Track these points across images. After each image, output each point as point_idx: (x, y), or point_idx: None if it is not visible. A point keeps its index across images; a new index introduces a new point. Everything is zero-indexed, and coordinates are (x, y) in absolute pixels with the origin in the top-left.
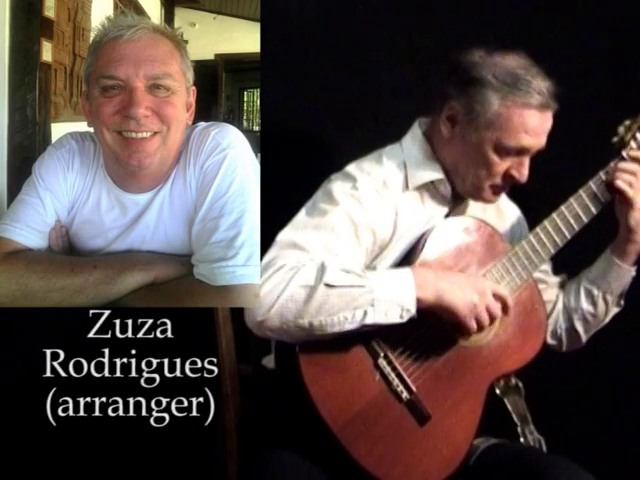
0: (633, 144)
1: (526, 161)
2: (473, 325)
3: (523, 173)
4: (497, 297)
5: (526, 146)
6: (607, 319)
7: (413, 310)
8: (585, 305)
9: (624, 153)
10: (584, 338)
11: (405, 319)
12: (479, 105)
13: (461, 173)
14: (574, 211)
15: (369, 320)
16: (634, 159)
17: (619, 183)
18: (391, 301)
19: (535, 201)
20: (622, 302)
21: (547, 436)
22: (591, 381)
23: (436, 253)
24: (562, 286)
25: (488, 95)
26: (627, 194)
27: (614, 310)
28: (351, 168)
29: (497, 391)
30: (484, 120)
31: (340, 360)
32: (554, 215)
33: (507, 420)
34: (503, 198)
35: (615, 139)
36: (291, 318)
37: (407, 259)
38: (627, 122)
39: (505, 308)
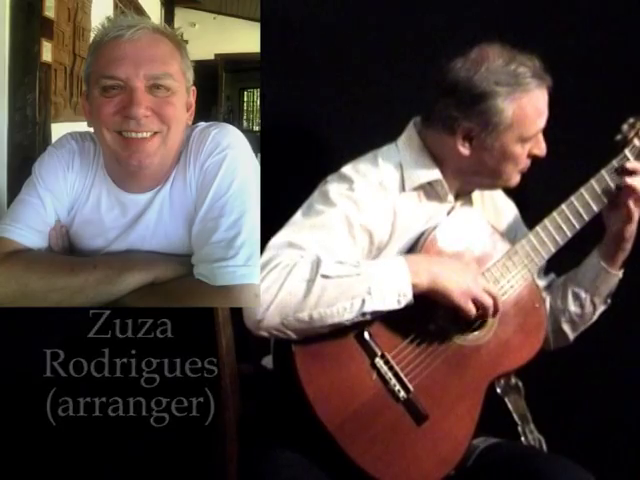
0: (637, 142)
1: (541, 136)
2: (471, 307)
3: (543, 148)
4: (488, 294)
5: (542, 126)
6: (595, 318)
7: (409, 295)
8: (573, 308)
9: (627, 151)
10: (571, 337)
11: (402, 304)
12: (495, 117)
13: (488, 175)
14: (575, 210)
15: (367, 308)
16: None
17: (629, 181)
18: (387, 287)
19: (535, 200)
20: (609, 300)
21: (547, 436)
22: (591, 381)
23: (435, 252)
24: (549, 287)
25: (499, 104)
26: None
27: (601, 309)
28: (347, 169)
29: (498, 390)
30: (503, 126)
31: (336, 360)
32: (555, 214)
33: (507, 420)
34: (500, 195)
35: (618, 137)
36: (291, 313)
37: None
38: (631, 120)
39: (495, 308)
